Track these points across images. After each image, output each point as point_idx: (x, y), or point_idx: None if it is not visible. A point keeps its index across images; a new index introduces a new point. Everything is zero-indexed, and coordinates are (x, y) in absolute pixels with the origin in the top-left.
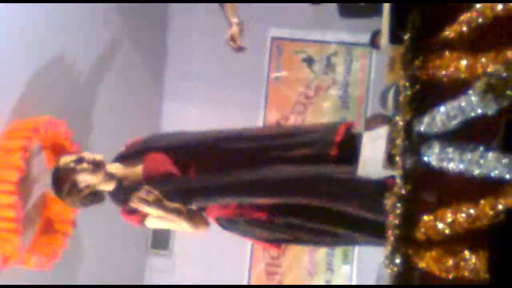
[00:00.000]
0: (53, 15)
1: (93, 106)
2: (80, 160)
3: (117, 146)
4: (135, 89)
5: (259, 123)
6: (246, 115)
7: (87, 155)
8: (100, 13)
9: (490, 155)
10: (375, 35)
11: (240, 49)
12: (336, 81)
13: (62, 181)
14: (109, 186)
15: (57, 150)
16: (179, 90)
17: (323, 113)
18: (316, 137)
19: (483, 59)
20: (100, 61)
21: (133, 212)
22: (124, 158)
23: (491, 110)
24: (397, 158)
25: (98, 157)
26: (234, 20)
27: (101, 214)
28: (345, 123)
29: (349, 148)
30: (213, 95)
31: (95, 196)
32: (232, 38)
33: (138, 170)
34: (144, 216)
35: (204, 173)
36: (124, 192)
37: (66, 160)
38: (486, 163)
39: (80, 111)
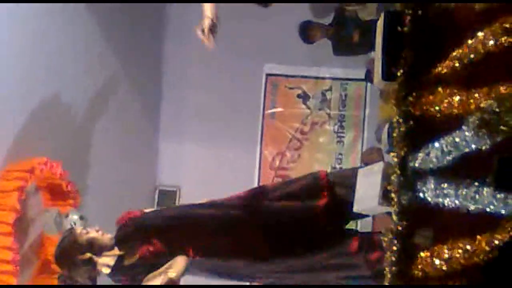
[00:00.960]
0: (49, 57)
1: (89, 146)
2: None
3: (112, 186)
4: (131, 128)
5: (255, 160)
6: (242, 151)
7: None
8: (96, 54)
9: (485, 190)
10: (341, 10)
11: (209, 42)
12: (331, 116)
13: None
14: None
15: (53, 190)
16: (175, 128)
17: (318, 148)
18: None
19: (476, 95)
20: (96, 101)
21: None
22: (121, 241)
23: (485, 146)
24: (393, 195)
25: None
26: (207, 13)
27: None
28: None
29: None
30: (209, 132)
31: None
32: (202, 30)
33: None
34: None
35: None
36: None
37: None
38: (482, 198)
39: (76, 151)
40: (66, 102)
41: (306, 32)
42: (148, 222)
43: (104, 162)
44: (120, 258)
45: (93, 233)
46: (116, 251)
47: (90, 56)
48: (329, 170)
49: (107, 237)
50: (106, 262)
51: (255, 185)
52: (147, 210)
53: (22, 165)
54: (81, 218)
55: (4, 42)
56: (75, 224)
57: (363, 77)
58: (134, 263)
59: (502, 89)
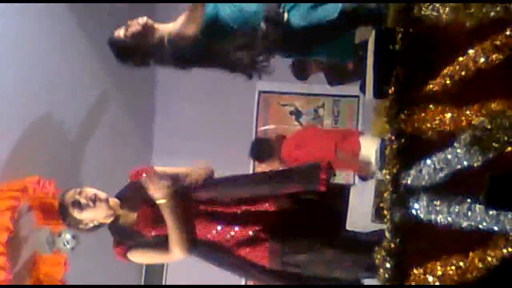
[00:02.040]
0: (41, 74)
1: (82, 164)
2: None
3: None
4: (123, 146)
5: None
6: (236, 170)
7: (88, 191)
8: (88, 71)
9: (478, 207)
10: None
11: None
12: None
13: (67, 215)
14: (108, 220)
15: (46, 209)
16: (168, 145)
17: None
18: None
19: (468, 112)
20: (88, 119)
21: (119, 243)
22: (124, 197)
23: (477, 162)
24: (385, 212)
25: (102, 195)
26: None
27: (92, 256)
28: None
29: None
30: (202, 150)
31: (97, 227)
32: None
33: (133, 217)
34: (127, 249)
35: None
36: (118, 230)
37: (69, 195)
38: (474, 215)
39: (69, 169)
40: (58, 120)
41: (301, 69)
42: None
43: (97, 179)
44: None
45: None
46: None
47: (82, 73)
48: None
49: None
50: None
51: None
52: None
53: (14, 184)
54: (74, 237)
55: None
56: (67, 243)
57: (355, 93)
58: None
59: (493, 106)
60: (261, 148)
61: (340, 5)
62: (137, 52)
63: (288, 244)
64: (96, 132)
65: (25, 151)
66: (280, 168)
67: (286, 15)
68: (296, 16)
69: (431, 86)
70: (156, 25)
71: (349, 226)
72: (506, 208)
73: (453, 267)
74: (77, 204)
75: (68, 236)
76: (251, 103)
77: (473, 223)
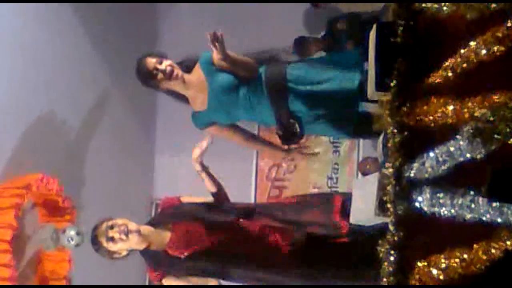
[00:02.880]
0: (42, 73)
1: (84, 161)
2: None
3: (109, 200)
4: (126, 142)
5: (252, 171)
6: (238, 163)
7: (120, 223)
8: (89, 69)
9: (481, 199)
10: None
11: None
12: None
13: (99, 247)
14: (141, 247)
15: (50, 206)
16: (171, 141)
17: (315, 159)
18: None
19: (470, 104)
20: (91, 116)
21: (154, 269)
22: (156, 223)
23: (479, 155)
24: (389, 205)
25: (133, 226)
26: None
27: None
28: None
29: None
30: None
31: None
32: None
33: (165, 241)
34: (163, 275)
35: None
36: (151, 256)
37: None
38: (477, 207)
39: (71, 167)
40: (60, 117)
41: (302, 47)
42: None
43: (100, 176)
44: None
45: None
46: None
47: (83, 72)
48: (325, 180)
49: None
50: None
51: (252, 196)
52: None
53: (18, 181)
54: (78, 233)
55: None
56: (72, 239)
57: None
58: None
59: (495, 98)
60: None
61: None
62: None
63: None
64: (98, 130)
65: (28, 149)
66: None
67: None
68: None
69: (432, 78)
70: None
71: (352, 220)
72: (508, 200)
73: (457, 260)
74: (111, 239)
75: (72, 232)
76: None
77: (476, 215)
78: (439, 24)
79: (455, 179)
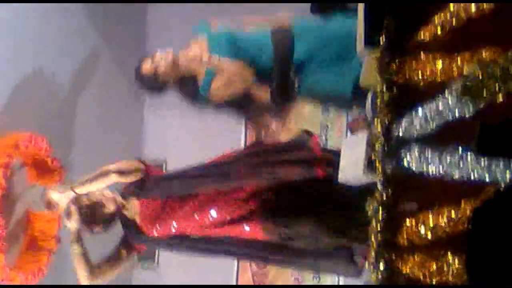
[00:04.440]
0: (28, 30)
1: (73, 119)
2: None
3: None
4: (115, 102)
5: (241, 130)
6: (228, 123)
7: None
8: (76, 25)
9: (469, 157)
10: None
11: None
12: None
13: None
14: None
15: (39, 166)
16: (159, 102)
17: (304, 118)
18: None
19: (459, 61)
20: (79, 74)
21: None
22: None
23: (468, 112)
24: (377, 163)
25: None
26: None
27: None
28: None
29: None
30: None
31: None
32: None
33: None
34: None
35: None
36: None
37: None
38: (466, 165)
39: (60, 127)
40: (48, 76)
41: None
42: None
43: (89, 136)
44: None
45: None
46: None
47: (72, 31)
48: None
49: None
50: None
51: None
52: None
53: (6, 141)
54: None
55: None
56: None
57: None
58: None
59: (484, 54)
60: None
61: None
62: (164, 86)
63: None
64: (86, 89)
65: (16, 109)
66: None
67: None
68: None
69: (422, 35)
70: (179, 58)
71: (341, 179)
72: (497, 155)
73: (445, 218)
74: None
75: None
76: None
77: (464, 173)
78: None
79: (444, 137)
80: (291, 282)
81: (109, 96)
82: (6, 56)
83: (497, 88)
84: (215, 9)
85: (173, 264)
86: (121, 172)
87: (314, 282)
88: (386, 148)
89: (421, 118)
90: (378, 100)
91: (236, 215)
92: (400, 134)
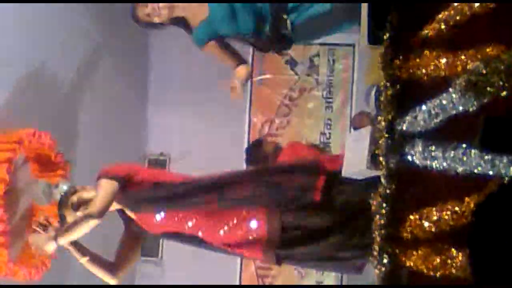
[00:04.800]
0: (33, 28)
1: (77, 116)
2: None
3: (102, 155)
4: (118, 97)
5: (245, 126)
6: (231, 119)
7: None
8: (81, 24)
9: (473, 152)
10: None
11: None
12: (319, 82)
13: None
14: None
15: (42, 161)
16: (163, 96)
17: (307, 114)
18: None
19: (463, 57)
20: (83, 71)
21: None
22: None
23: (472, 107)
24: (381, 158)
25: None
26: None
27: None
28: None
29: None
30: (197, 100)
31: None
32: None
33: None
34: None
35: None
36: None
37: None
38: (469, 160)
39: (64, 122)
40: (52, 72)
41: None
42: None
43: (92, 132)
44: None
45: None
46: None
47: (76, 26)
48: (318, 136)
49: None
50: None
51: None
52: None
53: (10, 136)
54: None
55: None
56: (65, 194)
57: (350, 42)
58: None
59: (488, 50)
60: (256, 155)
61: None
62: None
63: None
64: (90, 84)
65: (19, 104)
66: None
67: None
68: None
69: (425, 31)
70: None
71: (344, 173)
72: (500, 150)
73: (448, 212)
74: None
75: (65, 187)
76: (246, 52)
77: (468, 168)
78: None
79: (448, 132)
80: (294, 275)
81: (112, 91)
82: (8, 52)
83: (501, 84)
84: None
85: (176, 258)
86: (102, 212)
87: (318, 275)
88: (389, 143)
89: (424, 113)
90: (382, 96)
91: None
92: (404, 129)
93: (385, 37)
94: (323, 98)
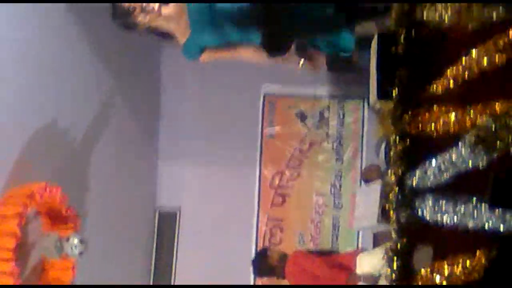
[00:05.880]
0: (45, 81)
1: (88, 169)
2: None
3: (113, 208)
4: (129, 150)
5: (255, 179)
6: (242, 171)
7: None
8: (93, 77)
9: (483, 207)
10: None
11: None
12: (329, 135)
13: None
14: None
15: (53, 215)
16: (174, 149)
17: (318, 167)
18: None
19: (472, 112)
20: (94, 124)
21: None
22: None
23: (482, 163)
24: (391, 212)
25: None
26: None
27: (101, 253)
28: None
29: None
30: (208, 153)
31: None
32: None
33: None
34: None
35: None
36: None
37: None
38: (480, 215)
39: (75, 175)
40: (63, 126)
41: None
42: None
43: (103, 185)
44: None
45: None
46: None
47: (86, 79)
48: (329, 187)
49: None
50: None
51: (255, 204)
52: None
53: (21, 190)
54: (82, 241)
55: None
56: (75, 248)
57: (360, 94)
58: None
59: (497, 106)
60: (263, 267)
61: None
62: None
63: None
64: (101, 138)
65: (31, 158)
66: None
67: None
68: None
69: (434, 87)
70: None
71: (355, 227)
72: (510, 207)
73: (460, 266)
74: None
75: (75, 241)
76: (257, 105)
77: (479, 223)
78: (440, 33)
79: (458, 187)
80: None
81: (123, 144)
82: (20, 106)
83: (510, 139)
84: None
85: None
86: None
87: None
88: (400, 198)
89: (434, 169)
90: (392, 151)
91: None
92: (414, 184)
93: (394, 92)
94: (333, 150)
